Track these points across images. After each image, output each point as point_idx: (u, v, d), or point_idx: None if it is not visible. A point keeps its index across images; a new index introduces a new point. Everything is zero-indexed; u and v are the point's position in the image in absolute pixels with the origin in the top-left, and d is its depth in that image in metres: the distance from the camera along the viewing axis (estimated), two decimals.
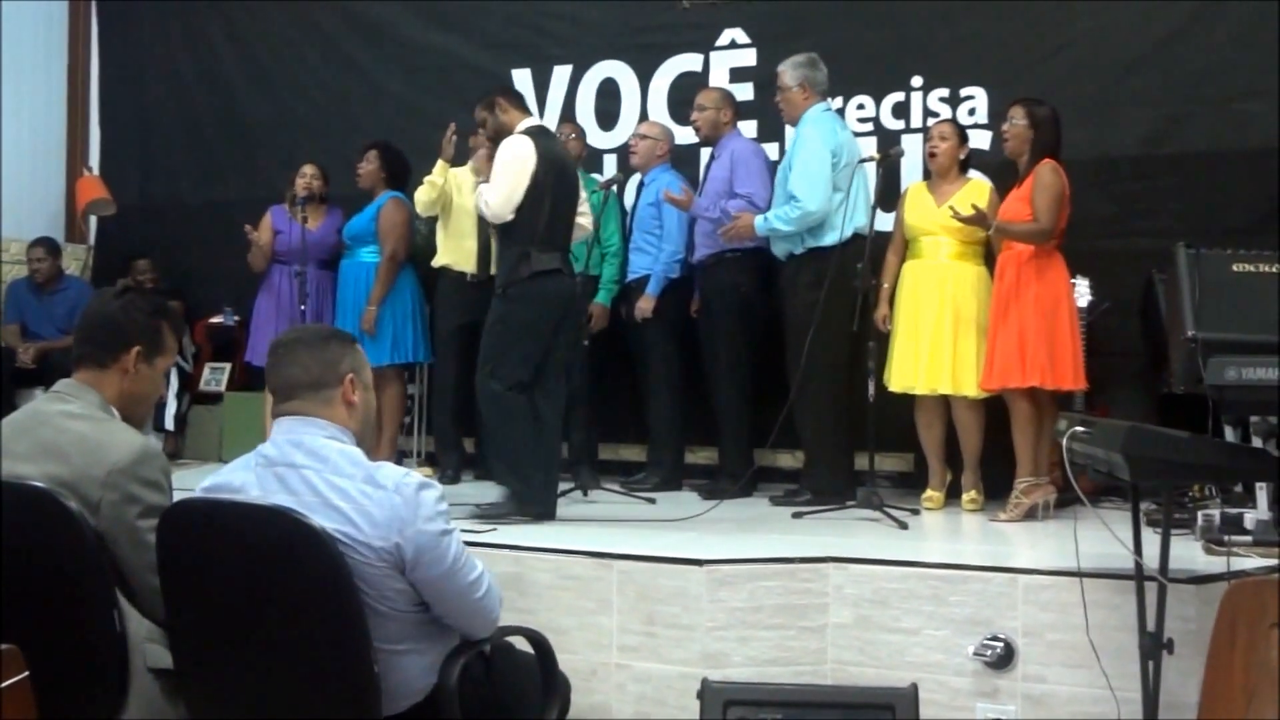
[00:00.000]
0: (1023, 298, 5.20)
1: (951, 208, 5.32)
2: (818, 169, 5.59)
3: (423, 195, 6.36)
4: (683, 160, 6.65)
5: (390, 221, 6.71)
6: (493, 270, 6.63)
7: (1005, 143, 5.40)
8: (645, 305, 6.27)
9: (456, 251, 6.62)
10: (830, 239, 5.62)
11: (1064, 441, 3.55)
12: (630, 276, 6.44)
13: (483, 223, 6.57)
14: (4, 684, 1.89)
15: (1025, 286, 5.20)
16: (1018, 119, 5.31)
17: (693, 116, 6.29)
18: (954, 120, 5.93)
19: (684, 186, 6.17)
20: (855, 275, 5.44)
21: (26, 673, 1.94)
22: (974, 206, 5.19)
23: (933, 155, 5.61)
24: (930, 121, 6.06)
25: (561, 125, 6.81)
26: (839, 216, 5.58)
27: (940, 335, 5.44)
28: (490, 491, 5.99)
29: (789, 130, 6.48)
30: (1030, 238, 5.19)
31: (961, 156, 5.63)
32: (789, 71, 5.83)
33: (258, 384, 7.06)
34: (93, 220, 8.65)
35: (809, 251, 5.67)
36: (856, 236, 5.59)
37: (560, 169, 5.20)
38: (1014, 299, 5.21)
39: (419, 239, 6.85)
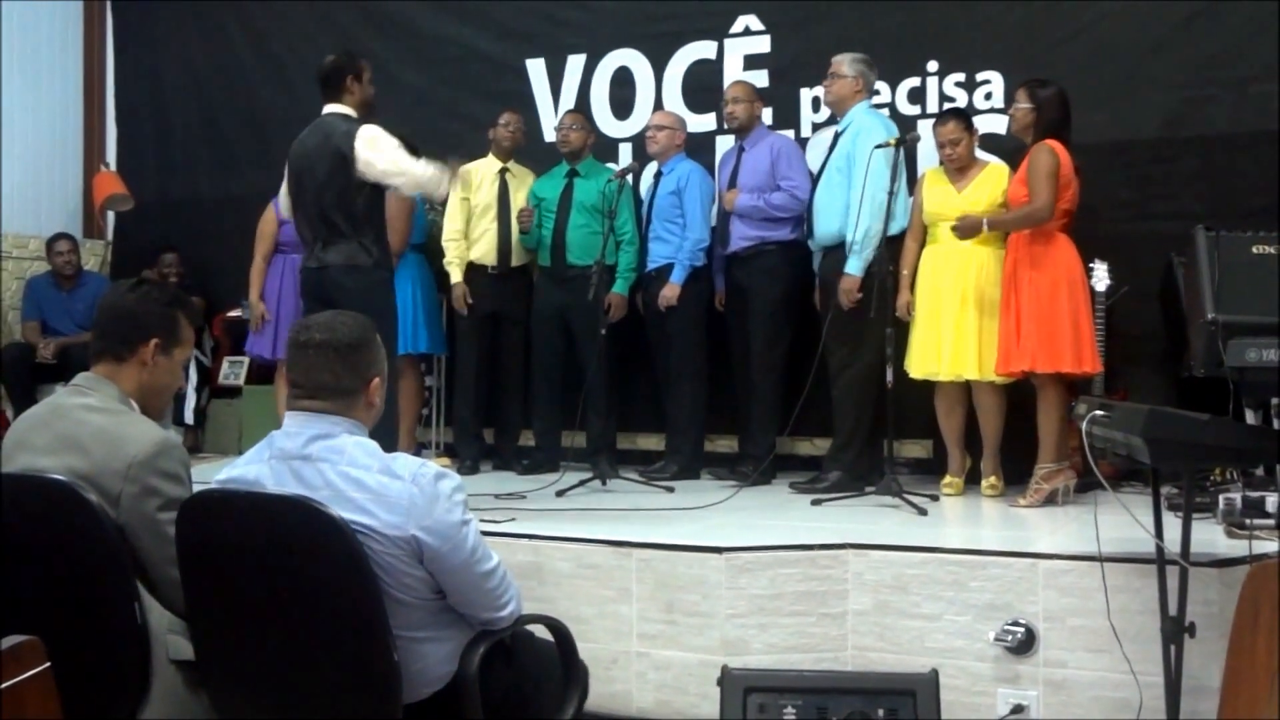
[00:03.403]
0: (1021, 281, 5.18)
1: (955, 227, 5.32)
2: (884, 164, 5.54)
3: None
4: (700, 148, 6.65)
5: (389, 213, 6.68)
6: (514, 263, 6.69)
7: (1011, 125, 5.41)
8: (670, 293, 6.26)
9: (477, 244, 6.64)
10: (893, 229, 5.61)
11: (1084, 425, 3.53)
12: (650, 266, 6.44)
13: (503, 217, 6.61)
14: (25, 675, 1.89)
15: (1023, 269, 5.19)
16: (1022, 101, 5.30)
17: (727, 108, 6.31)
18: (957, 113, 5.82)
19: (734, 191, 6.19)
20: (874, 263, 5.45)
21: (48, 664, 1.94)
22: (954, 226, 5.29)
23: (951, 160, 5.57)
24: (945, 107, 6.04)
25: (564, 115, 6.82)
26: (898, 206, 5.59)
27: (963, 321, 5.42)
28: (509, 482, 6.02)
29: (805, 115, 6.51)
30: (1026, 223, 5.17)
31: (974, 143, 5.62)
32: (849, 63, 5.88)
33: (272, 378, 7.07)
34: (110, 216, 8.69)
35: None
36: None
37: (294, 164, 5.37)
38: (1015, 283, 5.21)
39: (432, 230, 6.85)
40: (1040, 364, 5.09)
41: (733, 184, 6.20)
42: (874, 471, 5.65)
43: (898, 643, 4.04)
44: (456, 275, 6.65)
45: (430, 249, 6.82)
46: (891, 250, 5.52)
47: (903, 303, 5.55)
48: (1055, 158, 5.11)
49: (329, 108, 5.38)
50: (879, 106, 6.30)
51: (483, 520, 3.19)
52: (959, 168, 5.58)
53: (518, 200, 6.69)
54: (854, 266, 5.64)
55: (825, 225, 5.81)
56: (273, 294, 7.04)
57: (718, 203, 6.32)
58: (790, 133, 6.52)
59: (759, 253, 6.12)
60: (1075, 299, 5.16)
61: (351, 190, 5.17)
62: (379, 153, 5.12)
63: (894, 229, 5.60)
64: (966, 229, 5.24)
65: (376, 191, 5.25)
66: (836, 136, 5.91)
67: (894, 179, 5.43)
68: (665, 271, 6.33)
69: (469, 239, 6.68)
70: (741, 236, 6.16)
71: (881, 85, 6.38)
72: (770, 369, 6.13)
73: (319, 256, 5.23)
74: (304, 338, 2.70)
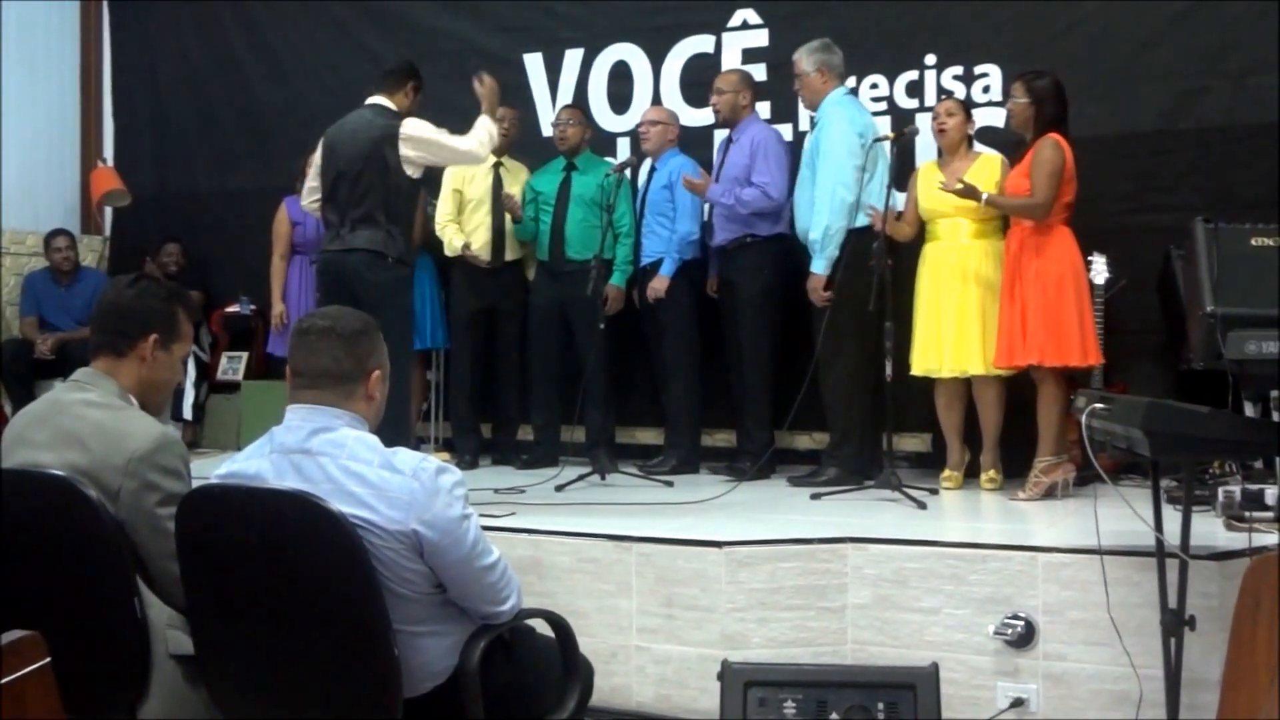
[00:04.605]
0: (1025, 274, 5.18)
1: (942, 183, 5.31)
2: (846, 157, 5.57)
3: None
4: (697, 142, 6.64)
5: None
6: (507, 257, 6.68)
7: (1011, 120, 5.40)
8: (659, 285, 6.26)
9: (470, 238, 6.63)
10: (864, 220, 5.61)
11: (1083, 418, 3.53)
12: (645, 260, 6.43)
13: (496, 210, 6.60)
14: (26, 670, 1.89)
15: (1027, 263, 5.18)
16: (1018, 95, 5.29)
17: (712, 100, 6.29)
18: (958, 98, 5.88)
19: (702, 172, 6.19)
20: (870, 256, 5.44)
21: (48, 659, 1.94)
22: (960, 181, 5.23)
23: (942, 131, 5.58)
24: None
25: (561, 110, 6.81)
26: (869, 197, 5.57)
27: (965, 317, 5.41)
28: (508, 477, 6.02)
29: (803, 109, 6.49)
30: (1024, 212, 5.18)
31: (970, 132, 5.62)
32: (805, 58, 5.82)
33: (276, 373, 7.07)
34: (108, 211, 8.68)
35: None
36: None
37: (330, 149, 5.44)
38: (1017, 276, 5.20)
39: (430, 224, 6.84)
40: (1049, 358, 5.09)
41: (719, 177, 6.18)
42: (873, 465, 5.66)
43: (897, 636, 4.04)
44: (461, 238, 6.62)
45: (429, 242, 6.81)
46: (890, 243, 5.51)
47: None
48: (1061, 155, 5.11)
49: (375, 99, 5.46)
50: (877, 100, 6.31)
51: (482, 515, 3.17)
52: (950, 149, 5.59)
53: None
54: (817, 265, 5.63)
55: (801, 221, 5.81)
56: (291, 295, 7.06)
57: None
58: (788, 127, 6.51)
59: (741, 246, 6.12)
60: (1079, 291, 5.16)
61: (387, 178, 5.26)
62: (421, 148, 5.32)
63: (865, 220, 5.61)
64: (963, 192, 5.21)
65: (413, 185, 5.37)
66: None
67: (891, 172, 5.45)
68: (660, 266, 6.33)
69: (463, 231, 6.67)
70: (723, 230, 6.17)
71: (879, 79, 6.39)
72: (758, 362, 6.13)
73: (344, 239, 5.27)
74: (307, 324, 2.74)
